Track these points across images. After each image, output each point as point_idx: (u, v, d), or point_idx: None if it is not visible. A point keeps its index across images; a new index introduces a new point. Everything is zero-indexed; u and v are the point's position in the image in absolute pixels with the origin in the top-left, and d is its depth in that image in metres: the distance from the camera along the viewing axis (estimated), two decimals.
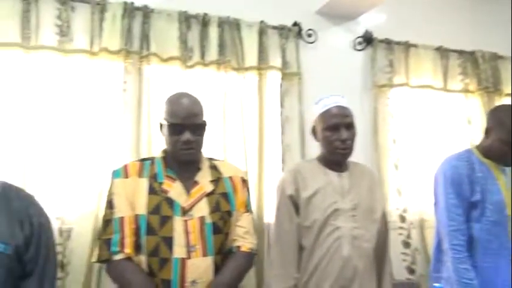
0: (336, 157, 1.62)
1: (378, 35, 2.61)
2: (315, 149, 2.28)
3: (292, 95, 2.42)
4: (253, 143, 2.31)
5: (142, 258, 1.40)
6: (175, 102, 1.46)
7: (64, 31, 2.06)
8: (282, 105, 2.38)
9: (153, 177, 1.46)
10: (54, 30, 2.05)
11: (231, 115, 2.27)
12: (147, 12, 2.18)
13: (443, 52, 2.73)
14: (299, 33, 2.47)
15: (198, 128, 1.46)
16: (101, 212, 2.01)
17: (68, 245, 1.98)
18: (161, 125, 1.50)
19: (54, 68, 2.03)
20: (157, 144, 2.13)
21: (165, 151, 1.53)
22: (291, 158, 2.37)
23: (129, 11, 2.14)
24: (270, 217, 2.28)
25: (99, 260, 1.41)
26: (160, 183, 1.45)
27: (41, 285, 1.38)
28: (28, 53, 1.99)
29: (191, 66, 2.24)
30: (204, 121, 1.49)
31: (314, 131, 1.68)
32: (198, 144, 1.48)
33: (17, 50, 1.97)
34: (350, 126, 1.61)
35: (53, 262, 1.45)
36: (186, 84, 2.19)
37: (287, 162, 2.36)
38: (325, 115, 1.61)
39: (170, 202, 1.43)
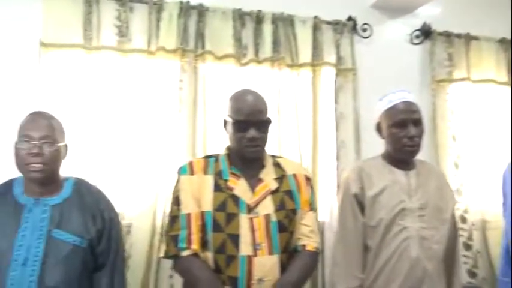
0: (403, 155, 1.56)
1: (436, 27, 2.50)
2: (370, 146, 2.25)
3: (347, 91, 2.36)
4: (307, 141, 2.28)
5: (209, 255, 1.40)
6: (240, 99, 1.46)
7: (123, 31, 2.11)
8: (336, 102, 2.34)
9: (218, 175, 1.46)
10: (114, 31, 2.10)
11: (284, 112, 2.25)
12: (202, 11, 2.19)
13: (506, 44, 2.58)
14: (354, 28, 2.41)
15: (263, 124, 1.45)
16: (159, 209, 2.08)
17: (128, 240, 2.03)
18: (225, 122, 1.49)
19: (114, 68, 2.09)
20: (212, 141, 2.16)
21: (228, 148, 1.52)
22: (346, 155, 2.32)
23: (185, 10, 2.16)
24: (324, 216, 2.25)
25: (167, 256, 1.43)
26: (226, 181, 1.45)
27: (112, 277, 1.43)
28: (90, 54, 2.05)
29: (245, 64, 2.23)
30: (269, 118, 1.47)
31: (379, 128, 1.63)
32: (263, 141, 1.46)
33: (80, 51, 2.04)
34: (418, 123, 1.54)
35: (122, 255, 1.50)
36: (241, 82, 2.19)
37: (341, 160, 2.31)
38: (392, 111, 1.55)
39: (235, 199, 1.42)
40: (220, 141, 2.15)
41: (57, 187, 1.42)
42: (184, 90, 2.16)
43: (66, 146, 1.42)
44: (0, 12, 1.99)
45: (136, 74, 2.11)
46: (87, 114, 2.02)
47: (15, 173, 1.46)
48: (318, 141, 2.31)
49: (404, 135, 1.53)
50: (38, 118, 1.38)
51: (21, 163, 1.34)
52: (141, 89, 2.11)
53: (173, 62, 2.14)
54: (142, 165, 2.09)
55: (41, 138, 1.34)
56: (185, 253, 1.39)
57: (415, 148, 1.55)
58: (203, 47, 2.18)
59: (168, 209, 2.05)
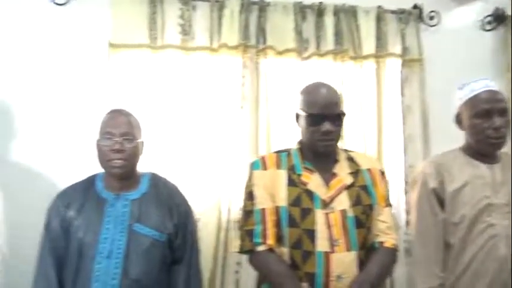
0: (487, 147, 1.46)
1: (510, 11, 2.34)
2: (439, 139, 2.15)
3: (413, 83, 2.27)
4: (372, 135, 2.21)
5: (285, 250, 1.38)
6: (313, 91, 1.42)
7: (186, 30, 2.14)
8: (402, 94, 2.24)
9: (291, 169, 1.44)
10: (177, 30, 2.13)
11: (348, 106, 2.18)
12: (263, 6, 2.18)
13: None
14: (420, 17, 2.30)
15: (338, 118, 1.41)
16: (224, 204, 2.10)
17: None
18: (297, 116, 1.47)
19: (178, 66, 2.12)
20: (275, 136, 2.14)
21: (300, 142, 1.50)
22: (414, 149, 2.23)
23: (246, 5, 2.15)
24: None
25: (241, 251, 1.42)
26: (299, 175, 1.42)
27: (189, 271, 1.45)
28: (155, 53, 2.10)
29: (307, 58, 2.20)
30: (343, 111, 1.43)
31: (458, 119, 1.54)
32: (337, 135, 1.43)
33: (146, 50, 2.09)
34: (504, 112, 1.44)
35: (198, 249, 1.51)
36: (302, 76, 2.16)
37: (409, 155, 2.22)
38: (474, 101, 1.46)
39: (310, 194, 1.39)
40: (283, 136, 2.15)
41: (136, 182, 1.46)
42: (246, 86, 2.16)
43: (143, 142, 1.46)
44: (72, 17, 2.08)
45: (199, 72, 2.13)
46: (153, 112, 2.07)
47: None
48: (383, 135, 2.24)
49: (488, 126, 1.43)
50: (118, 115, 1.42)
51: (104, 159, 1.39)
52: (204, 86, 2.13)
53: (235, 59, 2.14)
54: (206, 161, 2.11)
55: (122, 135, 1.38)
56: (261, 248, 1.38)
57: (501, 140, 1.45)
58: (264, 42, 2.17)
59: (233, 205, 2.11)
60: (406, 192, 2.19)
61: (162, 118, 2.07)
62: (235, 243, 1.47)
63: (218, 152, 2.11)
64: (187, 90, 2.11)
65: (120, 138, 1.37)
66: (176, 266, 1.45)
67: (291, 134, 2.13)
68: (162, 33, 2.12)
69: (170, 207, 1.45)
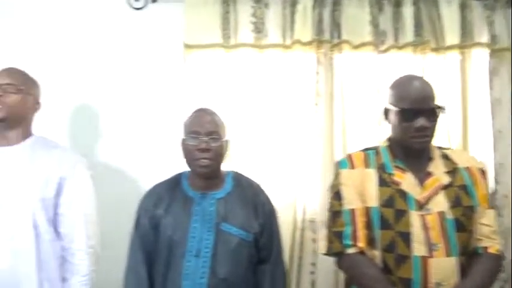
0: None
1: None
2: None
3: (503, 74, 2.09)
4: (457, 131, 2.07)
5: (376, 253, 1.31)
6: (405, 85, 1.34)
7: (259, 28, 2.11)
8: (490, 87, 2.08)
9: (381, 168, 1.36)
10: (250, 28, 2.11)
11: None
12: (337, 0, 2.10)
13: None
14: (509, 2, 2.12)
15: (433, 113, 1.31)
16: (299, 204, 2.06)
17: None
18: (386, 111, 1.39)
19: (252, 64, 2.10)
20: (351, 134, 2.07)
21: (389, 139, 1.42)
22: (504, 145, 2.06)
23: (319, 0, 2.09)
24: None
25: (329, 253, 1.37)
26: (390, 174, 1.34)
27: (275, 270, 1.42)
28: (229, 52, 2.10)
29: (384, 51, 2.10)
30: (438, 105, 1.33)
31: None
32: (432, 131, 1.33)
33: (219, 50, 2.10)
34: None
35: (282, 248, 1.48)
36: (380, 71, 2.07)
37: (499, 151, 2.06)
38: None
39: (403, 195, 1.31)
40: (359, 134, 2.07)
41: (220, 181, 1.45)
42: (320, 83, 2.10)
43: (228, 141, 1.45)
44: (148, 20, 2.13)
45: (272, 69, 2.10)
46: (227, 111, 2.07)
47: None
48: (469, 132, 2.08)
49: None
50: (203, 114, 1.43)
51: (190, 158, 1.39)
52: (277, 84, 2.10)
53: (309, 55, 2.09)
54: (280, 160, 2.08)
55: (208, 134, 1.38)
56: (351, 250, 1.32)
57: None
58: (339, 36, 2.09)
59: (308, 204, 2.06)
60: (495, 193, 2.03)
61: (236, 117, 2.07)
62: (321, 245, 1.42)
63: (292, 150, 2.07)
64: (260, 89, 2.09)
65: (206, 137, 1.37)
66: (262, 266, 1.43)
67: (369, 132, 2.07)
68: (235, 32, 2.11)
69: (255, 206, 1.43)
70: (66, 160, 1.51)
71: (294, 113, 2.09)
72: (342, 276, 2.02)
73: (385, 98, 1.41)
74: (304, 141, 2.07)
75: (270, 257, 1.43)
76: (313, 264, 2.04)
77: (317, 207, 2.07)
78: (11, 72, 1.51)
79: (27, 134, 1.53)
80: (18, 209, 1.42)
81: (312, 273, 2.04)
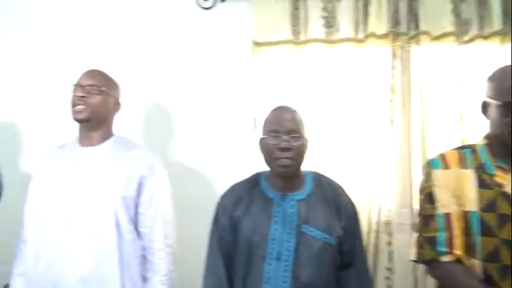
0: None
1: None
2: None
3: None
4: None
5: (476, 263, 1.20)
6: (508, 76, 1.21)
7: (330, 22, 2.04)
8: None
9: (480, 168, 1.25)
10: (321, 23, 2.05)
11: None
12: None
13: None
14: None
15: None
16: (374, 205, 1.96)
17: None
18: (485, 105, 1.27)
19: (323, 60, 2.04)
20: (431, 132, 1.93)
21: (488, 137, 1.29)
22: None
23: None
24: None
25: (420, 260, 1.27)
26: (491, 175, 1.22)
27: (361, 277, 1.35)
28: (299, 48, 2.05)
29: (468, 42, 1.94)
30: None
31: None
32: None
33: (289, 46, 2.05)
34: None
35: (365, 252, 1.41)
36: (462, 63, 1.92)
37: None
38: None
39: (507, 198, 1.19)
40: (440, 132, 1.94)
41: (300, 182, 1.40)
42: (396, 78, 1.99)
43: (307, 139, 1.39)
44: (217, 19, 2.13)
45: (345, 64, 2.02)
46: (299, 108, 2.01)
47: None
48: None
49: None
50: (283, 113, 1.38)
51: (270, 158, 1.34)
52: (350, 79, 2.02)
53: (383, 49, 1.99)
54: (354, 158, 2.00)
55: (288, 133, 1.33)
56: (446, 258, 1.22)
57: None
58: (417, 27, 1.97)
59: (383, 206, 1.96)
60: None
61: (308, 114, 2.01)
62: (411, 251, 1.32)
63: (366, 149, 1.99)
64: (332, 85, 2.02)
65: (287, 136, 1.32)
66: (345, 271, 1.36)
67: (450, 130, 1.93)
68: (305, 28, 2.06)
69: (337, 208, 1.36)
70: (146, 160, 1.53)
71: (368, 110, 1.99)
72: (420, 281, 1.92)
73: (482, 92, 1.29)
74: (379, 140, 1.97)
75: (353, 261, 1.36)
76: (389, 269, 1.95)
77: (393, 208, 1.97)
78: (93, 73, 1.55)
79: (108, 134, 1.57)
80: (102, 207, 1.45)
81: (388, 278, 1.95)
